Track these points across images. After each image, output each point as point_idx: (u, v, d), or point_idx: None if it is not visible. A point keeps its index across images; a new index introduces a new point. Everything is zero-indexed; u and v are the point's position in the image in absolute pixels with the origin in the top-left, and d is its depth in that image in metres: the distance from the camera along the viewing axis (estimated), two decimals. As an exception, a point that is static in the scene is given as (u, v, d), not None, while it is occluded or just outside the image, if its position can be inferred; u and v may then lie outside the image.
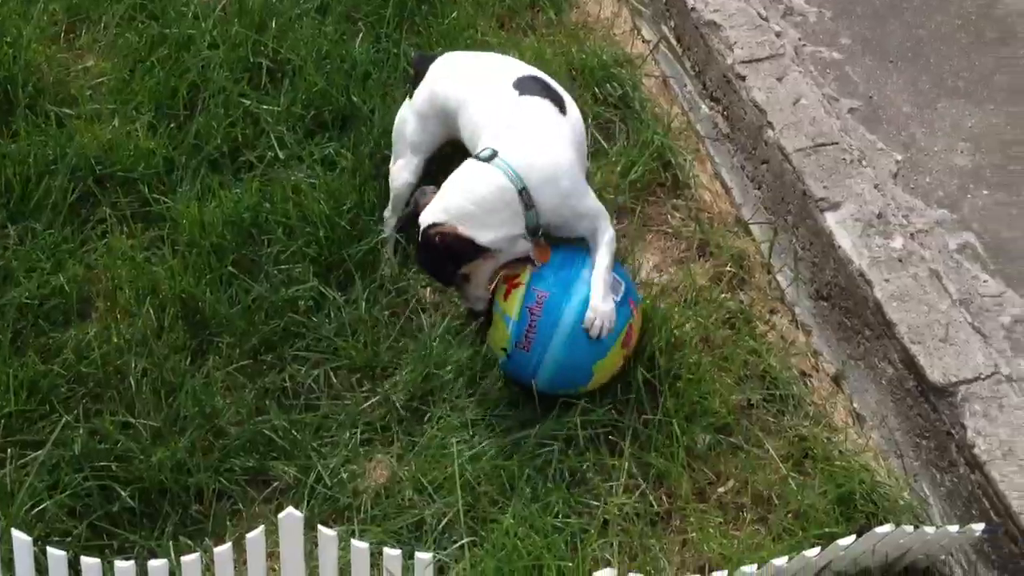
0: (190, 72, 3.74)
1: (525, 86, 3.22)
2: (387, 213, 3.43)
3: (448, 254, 2.98)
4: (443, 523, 2.85)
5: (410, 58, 3.74)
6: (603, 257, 3.03)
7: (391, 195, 3.41)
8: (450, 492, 2.89)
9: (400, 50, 3.90)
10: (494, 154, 3.02)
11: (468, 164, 3.06)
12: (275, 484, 2.94)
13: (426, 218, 3.00)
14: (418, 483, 2.92)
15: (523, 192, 2.99)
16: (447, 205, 2.99)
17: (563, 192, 3.04)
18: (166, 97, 3.70)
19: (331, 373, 3.16)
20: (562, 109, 3.19)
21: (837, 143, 3.52)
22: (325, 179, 3.51)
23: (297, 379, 3.14)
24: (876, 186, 3.42)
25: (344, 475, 2.94)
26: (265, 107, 3.71)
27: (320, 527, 2.41)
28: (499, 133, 3.09)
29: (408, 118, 3.38)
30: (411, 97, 3.40)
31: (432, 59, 3.44)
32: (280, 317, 3.23)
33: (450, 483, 2.91)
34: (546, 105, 3.17)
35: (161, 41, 3.84)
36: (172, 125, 3.64)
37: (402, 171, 3.37)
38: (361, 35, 3.96)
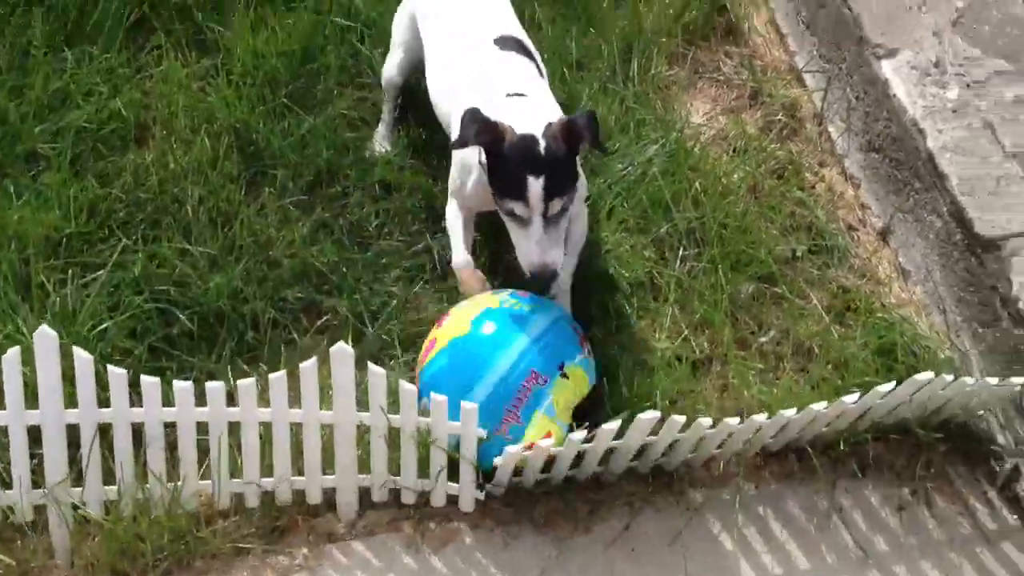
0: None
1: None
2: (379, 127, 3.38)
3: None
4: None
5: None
6: None
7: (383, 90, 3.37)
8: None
9: None
10: None
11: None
12: (326, 317, 2.99)
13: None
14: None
15: None
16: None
17: None
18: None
19: (384, 213, 3.18)
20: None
21: (898, -12, 3.45)
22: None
23: (350, 217, 3.16)
24: (935, 33, 3.35)
25: (389, 314, 2.97)
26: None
27: (370, 365, 2.45)
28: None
29: (398, 15, 3.35)
30: None
31: None
32: (335, 151, 3.24)
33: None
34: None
35: None
36: (227, -49, 3.59)
37: (389, 66, 3.33)
38: None
